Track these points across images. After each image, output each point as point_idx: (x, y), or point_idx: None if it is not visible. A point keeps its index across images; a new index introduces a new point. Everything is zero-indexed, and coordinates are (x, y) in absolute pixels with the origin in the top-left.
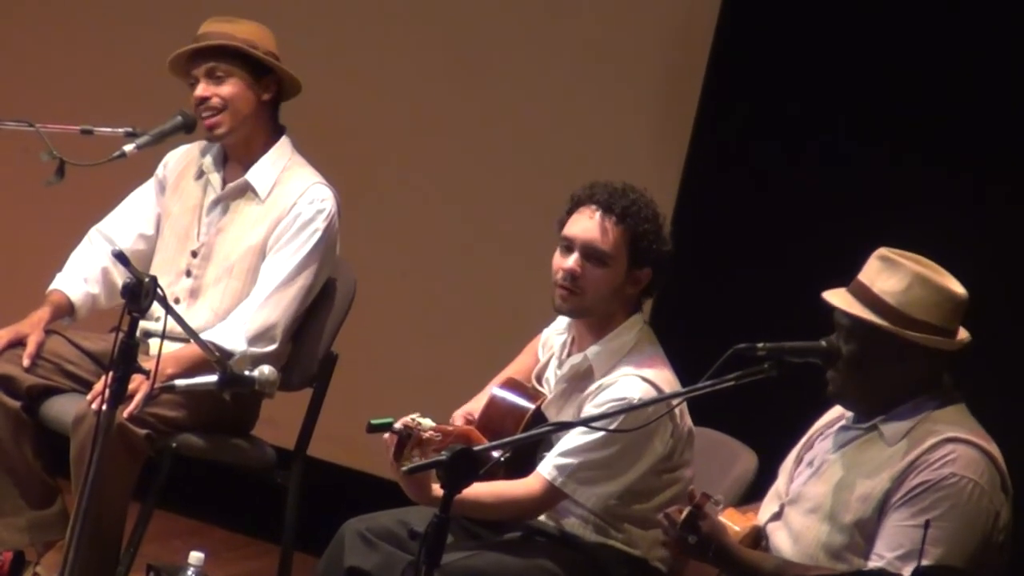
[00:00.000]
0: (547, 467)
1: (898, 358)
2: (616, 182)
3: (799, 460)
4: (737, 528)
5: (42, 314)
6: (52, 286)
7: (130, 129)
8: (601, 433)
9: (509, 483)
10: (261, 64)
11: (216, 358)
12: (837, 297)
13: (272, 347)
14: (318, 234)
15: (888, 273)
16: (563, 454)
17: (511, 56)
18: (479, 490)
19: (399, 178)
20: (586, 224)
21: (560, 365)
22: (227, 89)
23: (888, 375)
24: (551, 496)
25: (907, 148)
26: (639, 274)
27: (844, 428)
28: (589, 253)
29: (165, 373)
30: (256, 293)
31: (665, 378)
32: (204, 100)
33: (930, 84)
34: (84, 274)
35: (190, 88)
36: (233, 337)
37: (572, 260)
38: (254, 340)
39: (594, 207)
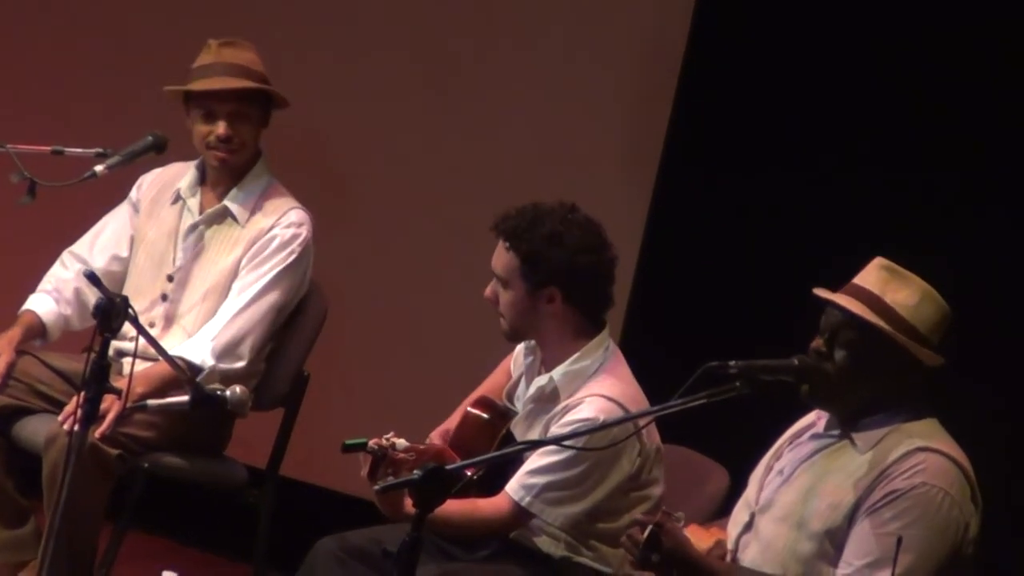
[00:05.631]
0: (514, 486)
1: (895, 369)
2: (527, 204)
3: (769, 469)
4: (704, 544)
5: (13, 334)
6: (24, 307)
7: (101, 150)
8: (567, 453)
9: (478, 501)
10: (270, 99)
11: (187, 376)
12: (847, 301)
13: (240, 364)
14: (293, 256)
15: (897, 284)
16: (529, 473)
17: (485, 78)
18: (450, 508)
19: (372, 198)
20: (496, 252)
21: (528, 386)
22: (247, 129)
23: (881, 384)
24: (518, 516)
25: (882, 173)
26: (545, 292)
27: (815, 436)
28: (497, 278)
29: (136, 392)
30: (225, 309)
31: (631, 397)
32: (228, 139)
33: (906, 108)
34: (56, 295)
35: (203, 118)
36: (200, 352)
37: (489, 287)
38: (222, 356)
39: (496, 233)
